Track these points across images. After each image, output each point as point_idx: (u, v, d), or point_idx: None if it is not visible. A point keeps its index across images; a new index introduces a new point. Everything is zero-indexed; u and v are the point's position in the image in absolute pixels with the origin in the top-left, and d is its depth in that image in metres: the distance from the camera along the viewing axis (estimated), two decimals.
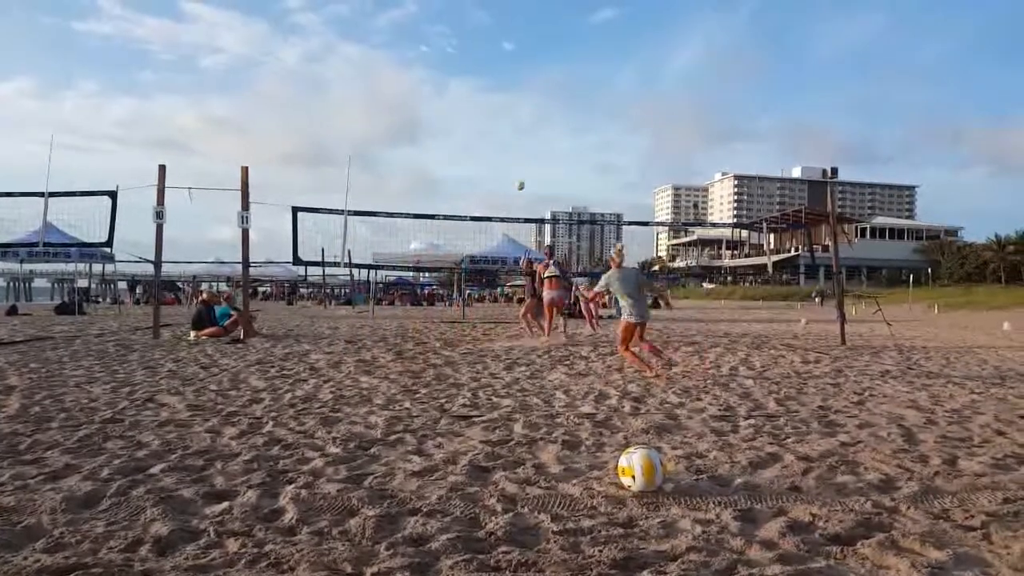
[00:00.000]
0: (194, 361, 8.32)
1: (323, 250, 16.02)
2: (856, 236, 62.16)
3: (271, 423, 4.66)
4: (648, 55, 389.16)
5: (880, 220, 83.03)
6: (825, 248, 14.18)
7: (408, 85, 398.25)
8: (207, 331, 11.48)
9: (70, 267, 28.54)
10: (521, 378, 7.11)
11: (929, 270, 55.13)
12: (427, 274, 44.68)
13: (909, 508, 2.98)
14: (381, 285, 41.62)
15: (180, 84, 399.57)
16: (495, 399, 5.80)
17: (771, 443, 4.22)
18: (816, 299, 43.42)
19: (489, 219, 15.48)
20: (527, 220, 21.05)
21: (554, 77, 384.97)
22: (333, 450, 3.93)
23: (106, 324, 16.04)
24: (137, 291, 43.14)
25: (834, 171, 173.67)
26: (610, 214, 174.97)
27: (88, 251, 21.21)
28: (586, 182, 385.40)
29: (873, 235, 70.26)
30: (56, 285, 44.02)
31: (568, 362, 8.68)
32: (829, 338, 12.99)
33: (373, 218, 14.96)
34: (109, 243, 12.86)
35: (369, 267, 24.78)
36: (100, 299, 37.68)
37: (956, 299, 34.02)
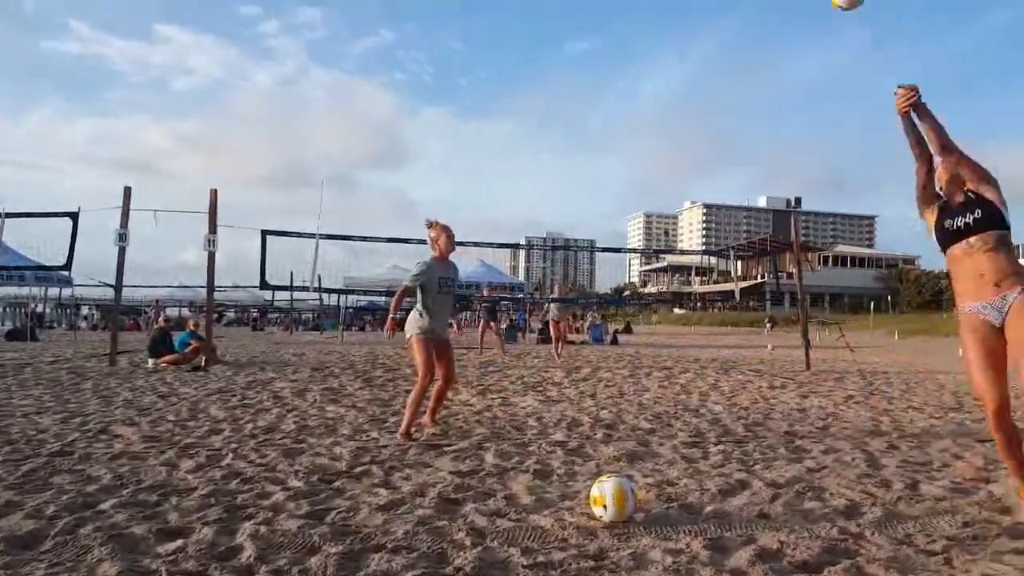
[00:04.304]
0: (152, 390, 8.08)
1: (291, 274, 15.78)
2: (819, 264, 63.48)
3: (231, 455, 4.51)
4: (620, 86, 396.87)
5: (841, 248, 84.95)
6: (790, 275, 14.42)
7: (384, 110, 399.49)
8: (167, 358, 11.19)
9: (24, 291, 27.72)
10: (493, 405, 7.03)
11: (889, 297, 56.40)
12: None
13: (874, 533, 3.00)
14: (351, 310, 41.11)
15: (149, 105, 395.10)
16: (466, 427, 5.71)
17: (740, 469, 4.22)
18: (767, 324, 44.10)
19: (463, 243, 15.41)
20: (501, 245, 21.05)
21: (529, 106, 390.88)
22: (295, 484, 3.80)
23: (60, 351, 15.56)
24: (93, 316, 41.86)
25: (797, 201, 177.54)
26: (584, 240, 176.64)
27: (44, 274, 20.63)
28: (560, 208, 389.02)
29: (835, 263, 71.80)
30: (8, 310, 42.53)
31: (540, 388, 8.63)
32: (795, 363, 13.14)
33: (345, 242, 14.81)
34: (68, 266, 12.50)
35: (340, 292, 24.51)
36: (55, 324, 36.65)
37: (915, 325, 34.83)
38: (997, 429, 3.13)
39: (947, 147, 3.21)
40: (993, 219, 3.05)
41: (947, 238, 3.18)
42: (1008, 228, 3.08)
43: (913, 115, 3.35)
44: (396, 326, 5.37)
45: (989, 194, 3.09)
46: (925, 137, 3.30)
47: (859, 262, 75.46)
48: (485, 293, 19.49)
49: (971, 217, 3.10)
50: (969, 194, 3.16)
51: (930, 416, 6.52)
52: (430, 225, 5.44)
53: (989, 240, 3.03)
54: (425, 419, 5.50)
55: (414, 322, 5.26)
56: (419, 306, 5.27)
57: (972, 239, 3.07)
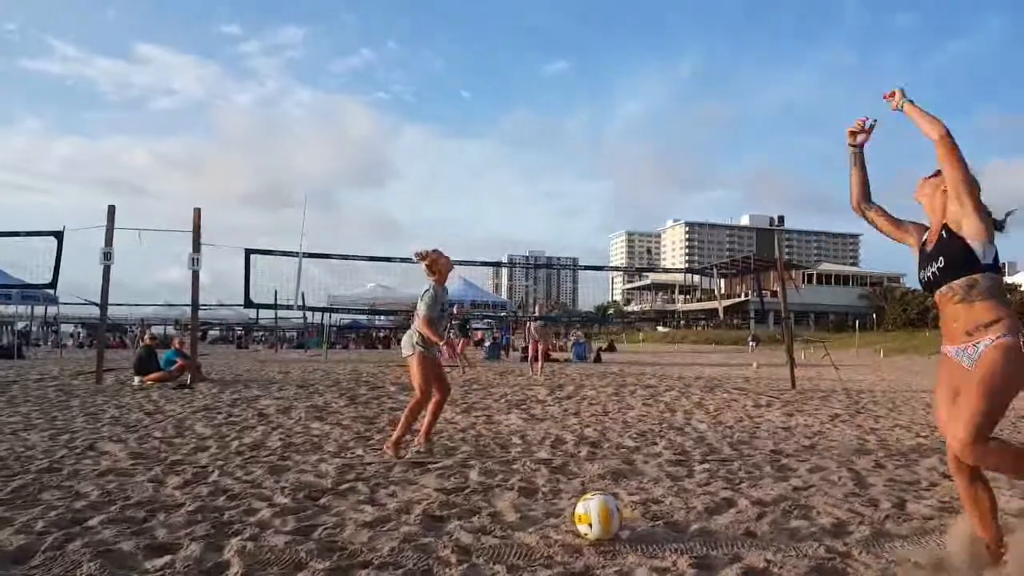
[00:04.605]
0: (138, 407, 8.04)
1: (276, 292, 15.75)
2: (803, 282, 63.93)
3: (217, 472, 4.51)
4: (602, 104, 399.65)
5: (826, 267, 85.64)
6: (774, 293, 14.57)
7: (365, 129, 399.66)
8: (153, 376, 11.13)
9: (11, 309, 27.48)
10: (477, 423, 7.04)
11: (874, 316, 56.82)
12: (382, 317, 44.25)
13: (861, 552, 3.02)
14: (335, 328, 40.95)
15: (130, 124, 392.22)
16: (451, 444, 5.72)
17: (726, 488, 4.24)
18: (751, 343, 44.22)
19: None
20: (484, 263, 21.07)
21: (511, 124, 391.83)
22: (281, 500, 3.81)
23: (47, 369, 15.41)
24: (79, 334, 41.49)
25: (780, 219, 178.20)
26: (566, 258, 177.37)
27: (30, 293, 20.50)
28: (543, 226, 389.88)
29: (819, 281, 72.30)
30: None
31: (524, 406, 8.64)
32: (780, 382, 13.22)
33: (329, 260, 14.83)
34: (53, 285, 12.46)
35: (324, 310, 24.42)
36: (40, 342, 36.28)
37: (901, 344, 35.08)
38: (957, 467, 2.82)
39: (947, 135, 2.71)
40: (958, 265, 2.70)
41: (923, 287, 2.93)
42: (984, 266, 2.67)
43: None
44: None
45: (965, 225, 2.69)
46: (919, 127, 2.79)
47: (843, 280, 76.04)
48: (455, 311, 19.61)
49: (936, 267, 2.78)
50: (943, 232, 2.78)
51: (917, 435, 6.57)
52: (423, 256, 5.40)
53: (957, 290, 2.71)
54: (420, 437, 5.41)
55: (415, 341, 5.24)
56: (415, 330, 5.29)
57: (942, 290, 2.78)
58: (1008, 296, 2.79)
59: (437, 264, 5.38)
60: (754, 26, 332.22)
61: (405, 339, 5.37)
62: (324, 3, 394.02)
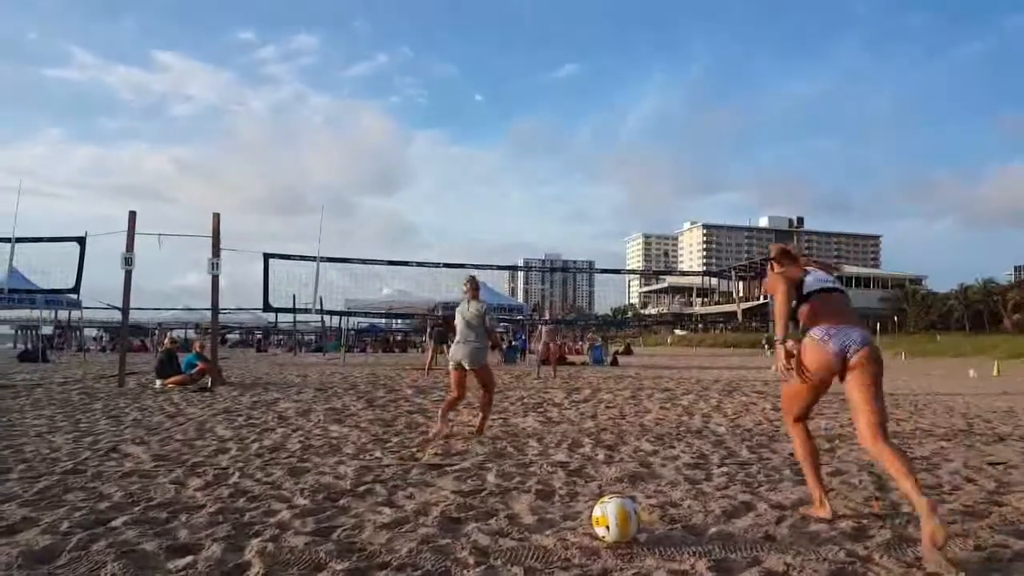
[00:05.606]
0: (160, 410, 8.14)
1: (294, 296, 15.89)
2: None
3: (237, 474, 4.56)
4: (615, 106, 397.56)
5: (846, 269, 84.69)
6: None
7: (380, 134, 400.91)
8: (174, 379, 11.26)
9: (35, 313, 27.94)
10: (494, 425, 7.05)
11: (895, 318, 56.18)
12: (399, 321, 44.47)
13: (882, 556, 2.98)
14: (352, 332, 41.17)
15: (149, 131, 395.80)
16: (467, 447, 5.74)
17: (744, 491, 4.22)
18: (766, 346, 43.71)
19: (462, 266, 15.46)
20: (500, 267, 21.16)
21: (526, 128, 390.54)
22: (301, 502, 3.85)
23: (70, 372, 15.64)
24: (103, 337, 42.06)
25: (800, 221, 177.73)
26: (582, 261, 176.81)
27: (54, 298, 20.83)
28: (559, 230, 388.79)
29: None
30: (20, 332, 42.92)
31: (541, 409, 8.64)
32: None
33: (345, 265, 14.94)
34: (76, 289, 12.66)
35: (341, 314, 24.57)
36: (64, 346, 36.83)
37: (922, 347, 34.65)
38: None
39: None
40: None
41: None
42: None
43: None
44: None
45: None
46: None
47: (864, 282, 75.15)
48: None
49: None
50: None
51: (939, 439, 6.49)
52: (471, 281, 6.91)
53: None
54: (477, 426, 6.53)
55: (485, 353, 6.54)
56: (482, 340, 6.51)
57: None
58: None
59: (477, 285, 6.90)
60: (768, 25, 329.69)
61: (473, 351, 6.42)
62: (337, 10, 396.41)
